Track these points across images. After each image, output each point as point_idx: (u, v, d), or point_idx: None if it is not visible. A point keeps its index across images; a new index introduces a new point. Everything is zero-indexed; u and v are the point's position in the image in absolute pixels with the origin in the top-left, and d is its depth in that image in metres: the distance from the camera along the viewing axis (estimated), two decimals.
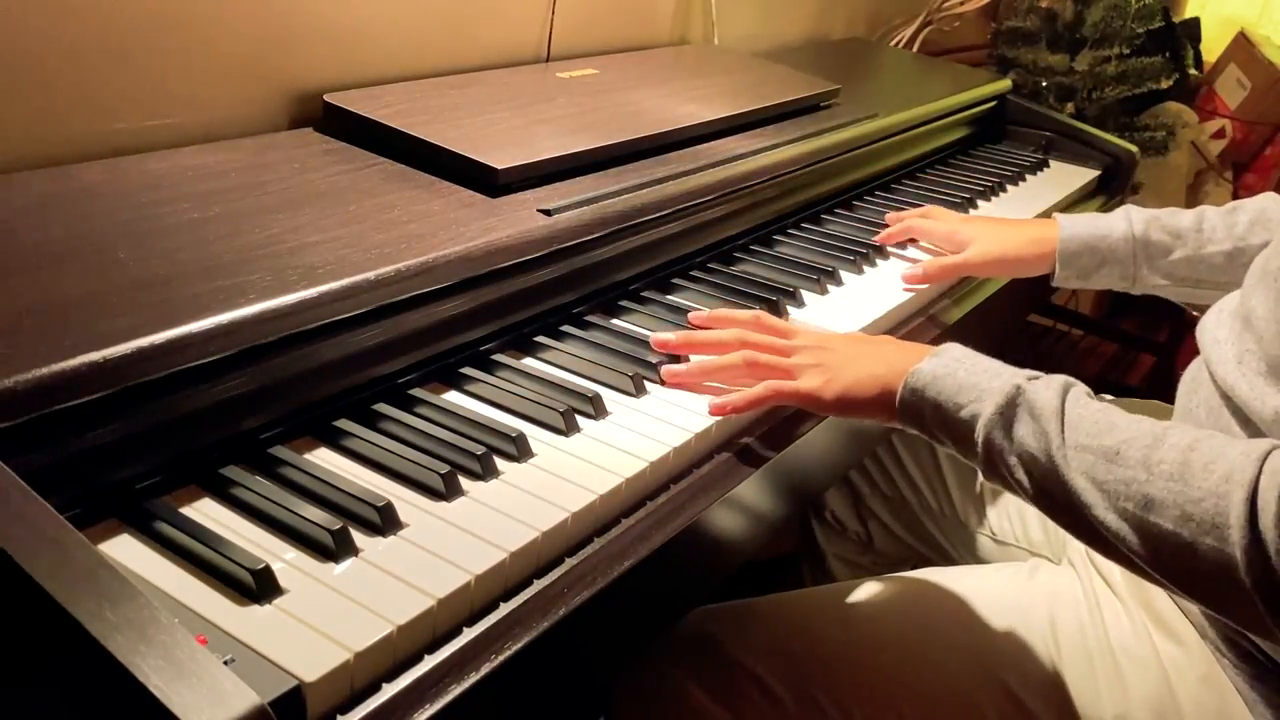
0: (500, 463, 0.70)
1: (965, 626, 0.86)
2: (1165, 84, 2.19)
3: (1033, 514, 1.06)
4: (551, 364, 0.85)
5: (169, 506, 0.61)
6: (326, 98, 0.97)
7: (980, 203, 1.39)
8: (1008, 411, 0.71)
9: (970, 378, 0.74)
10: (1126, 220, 1.07)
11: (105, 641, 0.44)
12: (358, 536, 0.61)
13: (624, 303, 0.95)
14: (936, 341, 0.82)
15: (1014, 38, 2.18)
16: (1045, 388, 0.71)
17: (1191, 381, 0.83)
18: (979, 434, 0.72)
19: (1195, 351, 0.85)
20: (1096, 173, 1.60)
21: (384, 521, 0.62)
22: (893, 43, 1.99)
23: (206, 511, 0.62)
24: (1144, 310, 2.14)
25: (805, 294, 1.02)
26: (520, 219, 0.85)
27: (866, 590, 0.92)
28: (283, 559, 0.59)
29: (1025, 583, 0.90)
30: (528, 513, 0.65)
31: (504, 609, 0.60)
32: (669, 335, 0.86)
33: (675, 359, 0.85)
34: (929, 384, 0.75)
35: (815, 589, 1.00)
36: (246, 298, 0.66)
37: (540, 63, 1.26)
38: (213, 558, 0.57)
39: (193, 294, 0.66)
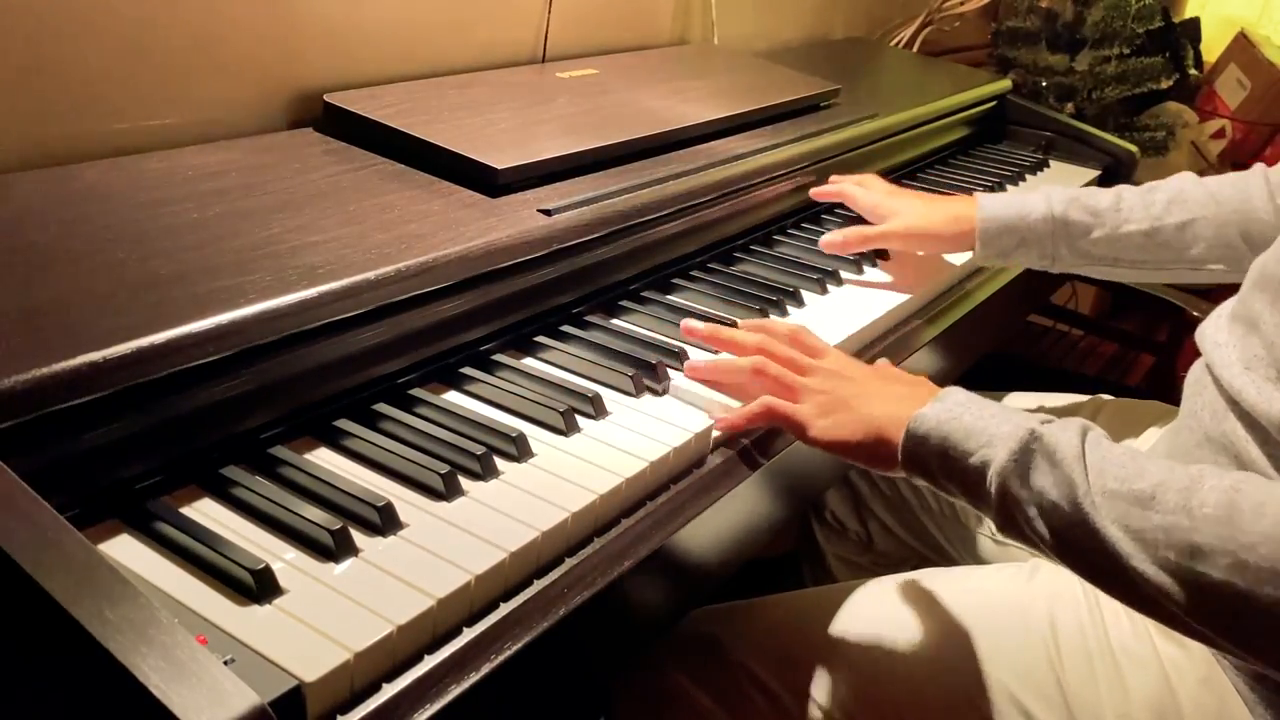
0: (500, 463, 0.70)
1: (965, 627, 0.86)
2: (1165, 84, 2.20)
3: None
4: (551, 364, 0.85)
5: (169, 506, 0.61)
6: (326, 98, 0.97)
7: None
8: (1023, 458, 0.67)
9: (978, 422, 0.70)
10: (1046, 201, 1.07)
11: (105, 641, 0.44)
12: (358, 536, 0.61)
13: (624, 303, 0.95)
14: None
15: (1014, 38, 2.18)
16: (1062, 430, 0.67)
17: (1196, 384, 0.83)
18: (992, 482, 0.68)
19: (1196, 352, 0.85)
20: (1096, 173, 1.60)
21: (384, 521, 0.62)
22: (893, 43, 1.99)
23: (206, 511, 0.62)
24: (1144, 310, 2.14)
25: (805, 294, 1.02)
26: (520, 219, 0.85)
27: (866, 590, 0.92)
28: (283, 559, 0.59)
29: (1025, 583, 0.90)
30: (528, 513, 0.65)
31: (504, 609, 0.60)
32: (699, 324, 0.86)
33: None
34: (933, 430, 0.71)
35: (815, 589, 1.00)
36: (246, 298, 0.66)
37: (536, 63, 1.26)
38: (213, 558, 0.57)
39: (193, 294, 0.66)
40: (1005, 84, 1.72)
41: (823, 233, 1.18)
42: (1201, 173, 1.08)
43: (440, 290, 0.77)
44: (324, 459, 0.69)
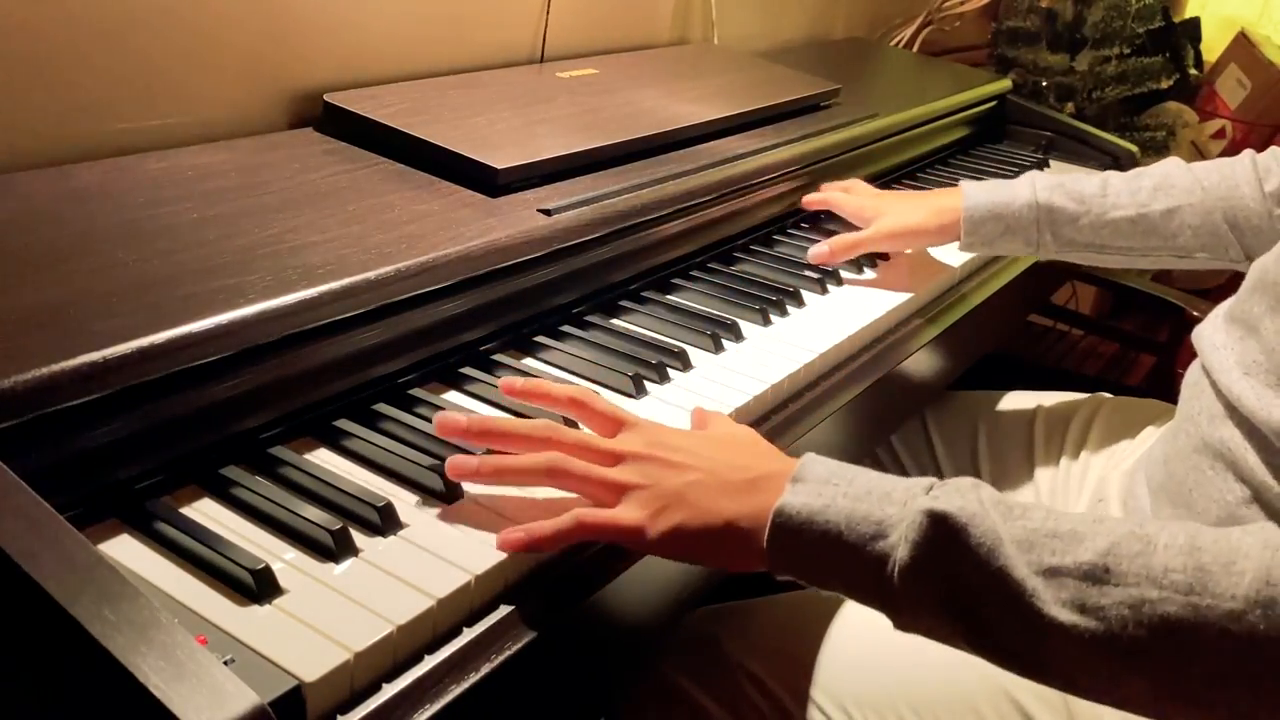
0: None
1: None
2: (1165, 84, 2.20)
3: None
4: (551, 364, 0.85)
5: (169, 506, 0.61)
6: (326, 98, 0.97)
7: None
8: (926, 549, 0.56)
9: (856, 505, 0.59)
10: (1031, 187, 1.07)
11: (105, 641, 0.44)
12: (358, 536, 0.61)
13: (624, 303, 0.95)
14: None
15: (1014, 37, 2.19)
16: (959, 496, 0.57)
17: (1194, 386, 0.83)
18: (895, 583, 0.58)
19: (1195, 352, 0.85)
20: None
21: (384, 521, 0.62)
22: (893, 43, 1.99)
23: (206, 511, 0.62)
24: (1144, 310, 2.14)
25: (805, 294, 1.02)
26: (520, 219, 0.85)
27: None
28: (283, 559, 0.59)
29: None
30: (528, 513, 0.65)
31: (504, 609, 0.60)
32: (460, 418, 0.66)
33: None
34: (804, 525, 0.59)
35: (816, 590, 1.00)
36: (246, 298, 0.66)
37: (535, 63, 1.26)
38: (213, 558, 0.57)
39: (193, 294, 0.66)
40: (1005, 84, 1.72)
41: (823, 233, 1.18)
42: None
43: (440, 290, 0.77)
44: (324, 459, 0.69)
